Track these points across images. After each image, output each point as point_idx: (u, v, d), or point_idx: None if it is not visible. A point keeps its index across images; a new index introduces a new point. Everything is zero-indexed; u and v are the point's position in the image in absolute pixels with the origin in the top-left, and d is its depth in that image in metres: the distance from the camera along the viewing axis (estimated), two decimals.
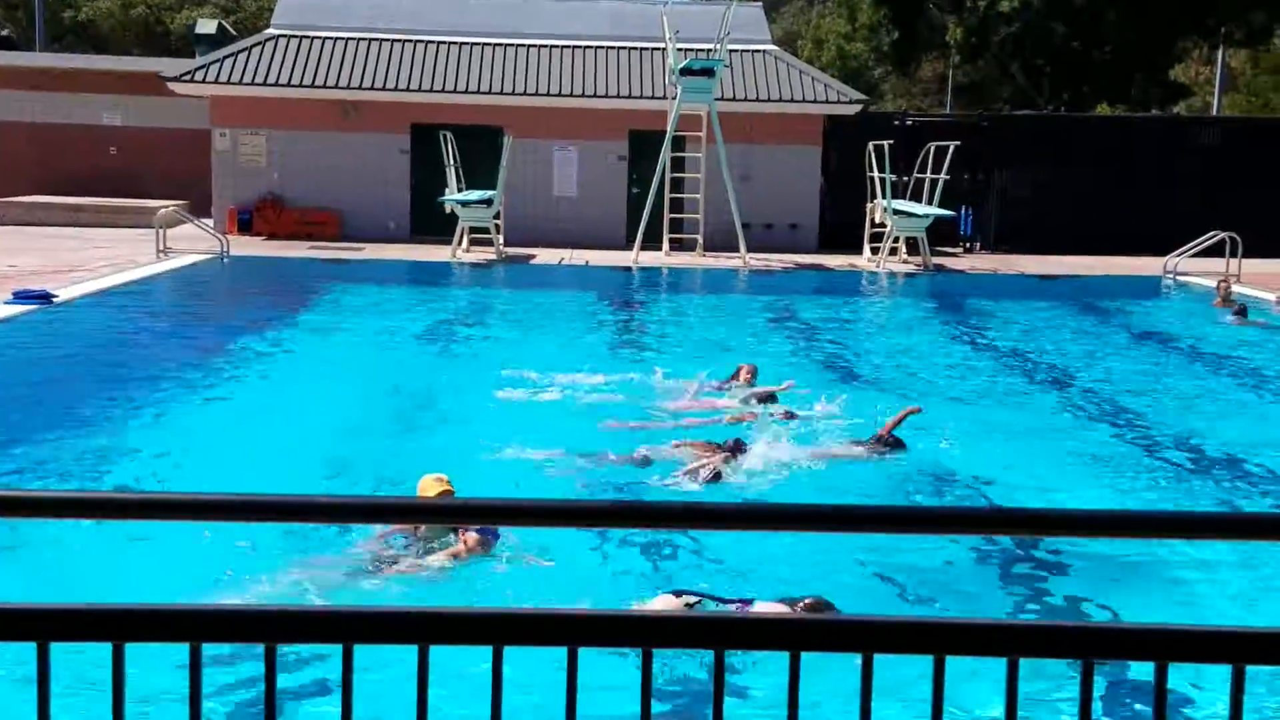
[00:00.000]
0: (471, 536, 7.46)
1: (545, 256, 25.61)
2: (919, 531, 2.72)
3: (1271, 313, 19.56)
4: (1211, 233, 23.41)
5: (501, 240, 25.36)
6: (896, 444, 10.26)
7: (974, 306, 20.58)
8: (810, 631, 2.31)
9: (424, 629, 2.29)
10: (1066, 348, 16.64)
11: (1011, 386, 14.18)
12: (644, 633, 2.33)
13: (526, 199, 27.28)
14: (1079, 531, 2.71)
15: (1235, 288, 21.12)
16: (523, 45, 28.52)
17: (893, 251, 25.26)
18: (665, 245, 26.07)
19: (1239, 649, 2.25)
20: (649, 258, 25.09)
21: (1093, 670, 2.29)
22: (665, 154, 25.17)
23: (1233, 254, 22.73)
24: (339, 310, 18.95)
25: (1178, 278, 23.26)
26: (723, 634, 2.30)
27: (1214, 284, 20.76)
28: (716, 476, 9.33)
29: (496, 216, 25.16)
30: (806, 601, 6.22)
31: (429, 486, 7.72)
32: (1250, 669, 2.26)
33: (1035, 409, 12.73)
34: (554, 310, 19.57)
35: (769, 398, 11.94)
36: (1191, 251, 23.54)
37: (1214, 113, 42.22)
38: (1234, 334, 17.66)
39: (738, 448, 9.82)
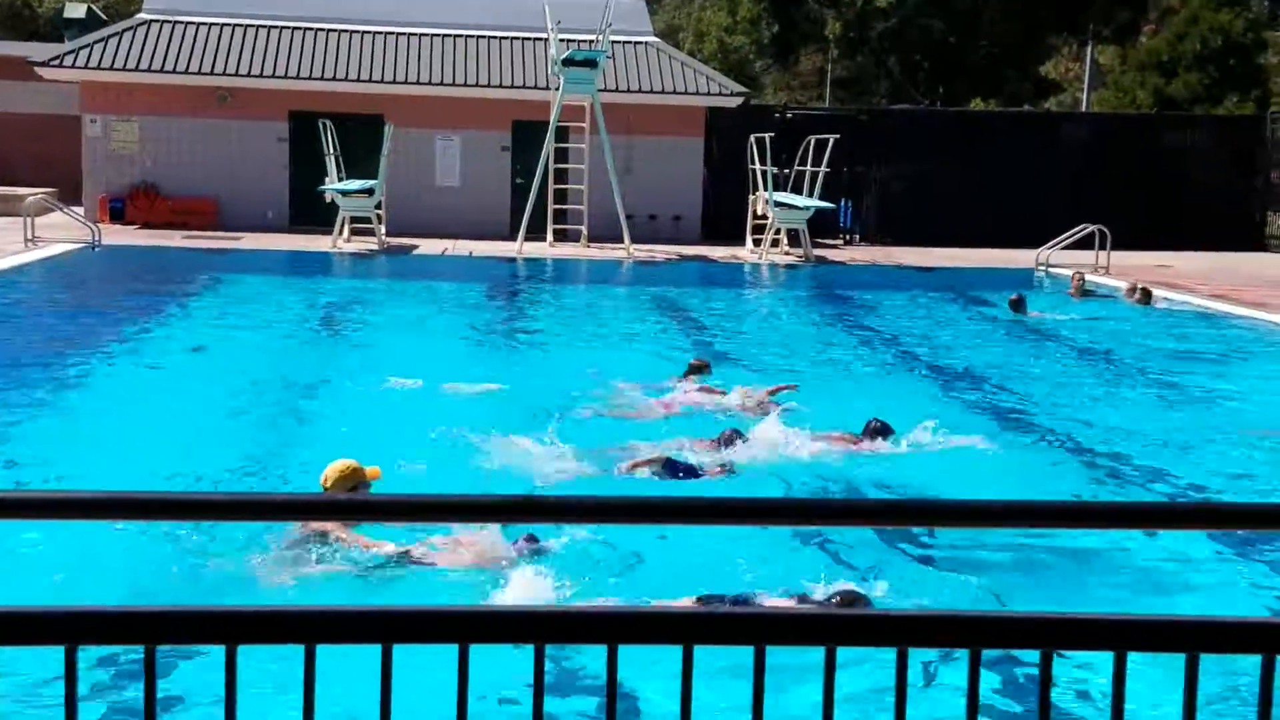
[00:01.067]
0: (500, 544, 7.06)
1: (428, 247, 25.40)
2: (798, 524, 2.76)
3: (1124, 302, 20.13)
4: (1081, 225, 24.04)
5: (384, 230, 25.09)
6: (885, 430, 10.41)
7: (858, 299, 20.89)
8: (847, 626, 2.33)
9: (465, 628, 2.28)
10: (930, 334, 17.06)
11: (882, 372, 14.43)
12: (684, 630, 2.31)
13: (409, 189, 27.01)
14: (966, 522, 2.77)
15: (1098, 278, 21.74)
16: (404, 33, 28.22)
17: (774, 243, 25.52)
18: (549, 236, 26.03)
19: (1116, 637, 2.32)
20: (533, 249, 25.02)
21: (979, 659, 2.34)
22: (549, 145, 25.12)
23: (1101, 246, 23.37)
24: (214, 301, 18.59)
25: (1050, 270, 23.85)
26: (764, 630, 2.31)
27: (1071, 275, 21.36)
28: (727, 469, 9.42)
29: (378, 206, 24.88)
30: (839, 596, 6.26)
31: (343, 474, 7.40)
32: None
33: (893, 393, 12.85)
34: (439, 301, 19.42)
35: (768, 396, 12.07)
36: (1063, 244, 24.15)
37: (1084, 108, 43.37)
38: (1015, 324, 18.16)
39: (734, 437, 10.00)
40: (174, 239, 24.66)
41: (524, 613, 2.34)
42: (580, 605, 2.36)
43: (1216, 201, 29.16)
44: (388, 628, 2.27)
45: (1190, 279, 22.67)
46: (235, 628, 2.25)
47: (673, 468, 9.27)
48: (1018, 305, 18.54)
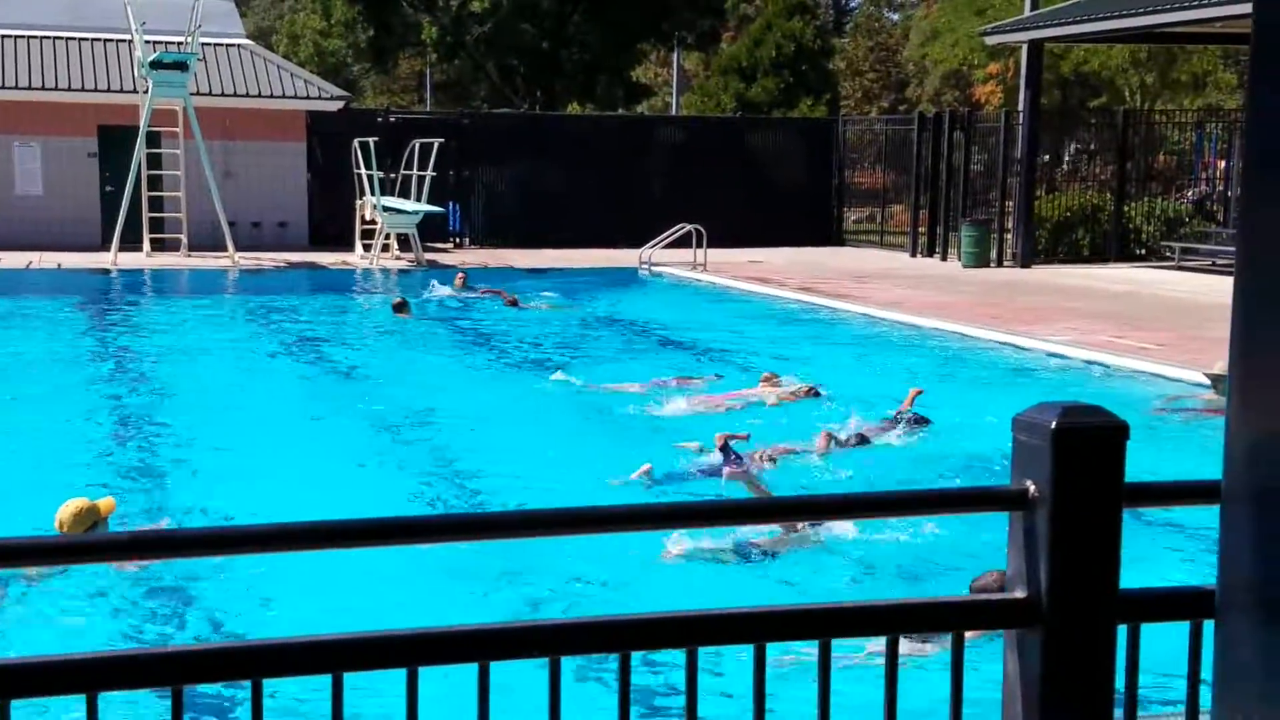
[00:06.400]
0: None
1: (10, 260, 23.65)
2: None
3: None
4: (680, 225, 25.17)
5: None
6: (921, 421, 10.68)
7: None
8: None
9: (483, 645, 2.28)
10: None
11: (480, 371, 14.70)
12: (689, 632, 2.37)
13: None
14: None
15: (696, 274, 22.83)
16: None
17: (385, 248, 25.34)
18: (146, 245, 24.80)
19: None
20: (129, 259, 23.77)
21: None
22: (140, 150, 23.98)
23: (699, 245, 24.57)
24: None
25: (653, 268, 24.85)
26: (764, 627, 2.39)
27: (648, 265, 22.42)
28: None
29: None
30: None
31: (78, 514, 7.13)
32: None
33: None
34: (24, 318, 18.13)
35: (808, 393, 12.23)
36: (664, 243, 25.20)
37: (673, 112, 45.33)
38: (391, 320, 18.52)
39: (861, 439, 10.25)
40: None
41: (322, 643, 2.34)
42: (593, 618, 2.40)
43: (800, 200, 31.19)
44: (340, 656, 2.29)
45: (779, 273, 24.18)
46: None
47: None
48: (400, 308, 18.33)
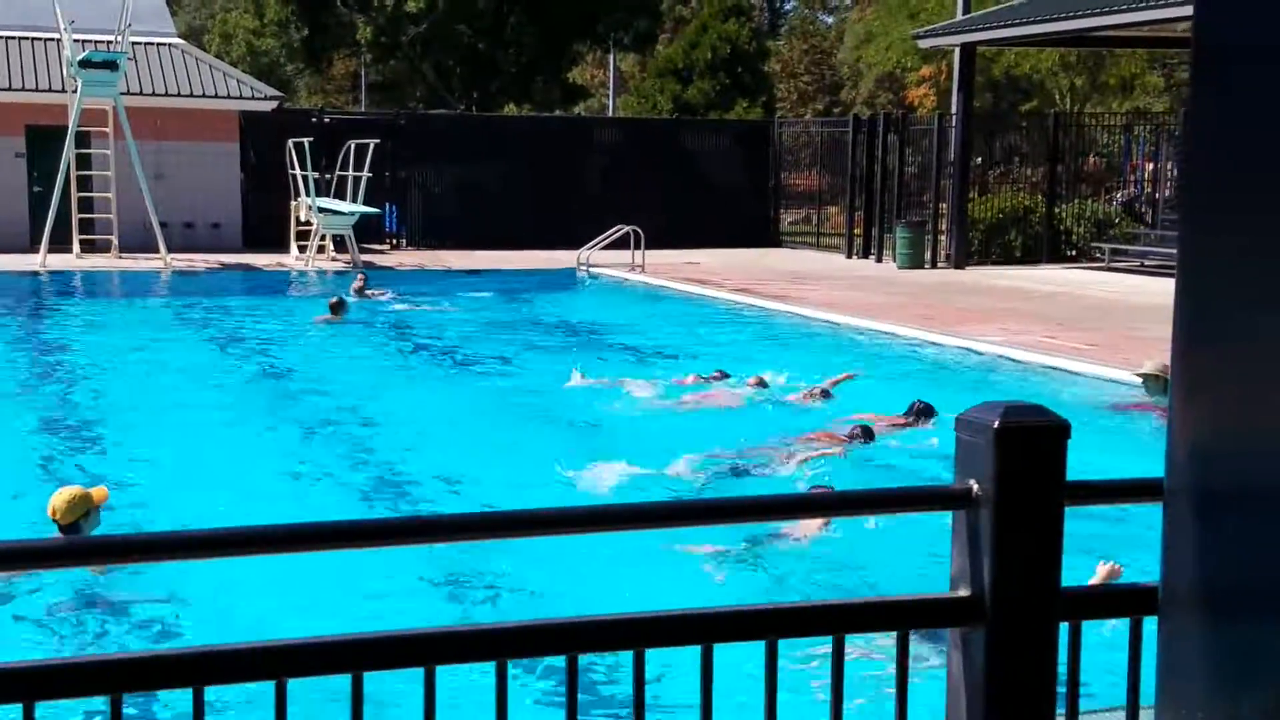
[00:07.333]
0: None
1: None
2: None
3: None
4: (617, 226, 25.16)
5: None
6: (868, 434, 10.62)
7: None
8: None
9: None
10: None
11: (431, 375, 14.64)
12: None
13: None
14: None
15: (634, 276, 22.84)
16: None
17: (320, 249, 25.12)
18: (76, 247, 24.42)
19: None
20: (59, 261, 23.39)
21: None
22: (69, 151, 23.62)
23: (637, 246, 24.57)
24: None
25: (591, 269, 24.83)
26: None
27: (582, 267, 22.43)
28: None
29: None
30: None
31: (71, 502, 7.11)
32: None
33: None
34: None
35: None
36: (602, 244, 25.19)
37: (610, 113, 45.36)
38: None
39: (866, 434, 10.25)
40: None
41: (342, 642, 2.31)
42: (611, 616, 2.38)
43: (737, 201, 31.29)
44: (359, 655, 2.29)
45: (717, 274, 24.25)
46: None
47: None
48: (337, 308, 18.14)
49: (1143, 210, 28.68)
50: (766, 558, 7.82)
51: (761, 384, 12.61)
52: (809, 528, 7.87)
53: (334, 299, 18.36)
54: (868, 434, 10.51)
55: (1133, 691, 2.60)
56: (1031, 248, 27.07)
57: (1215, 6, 1.72)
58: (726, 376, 13.15)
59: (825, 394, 12.31)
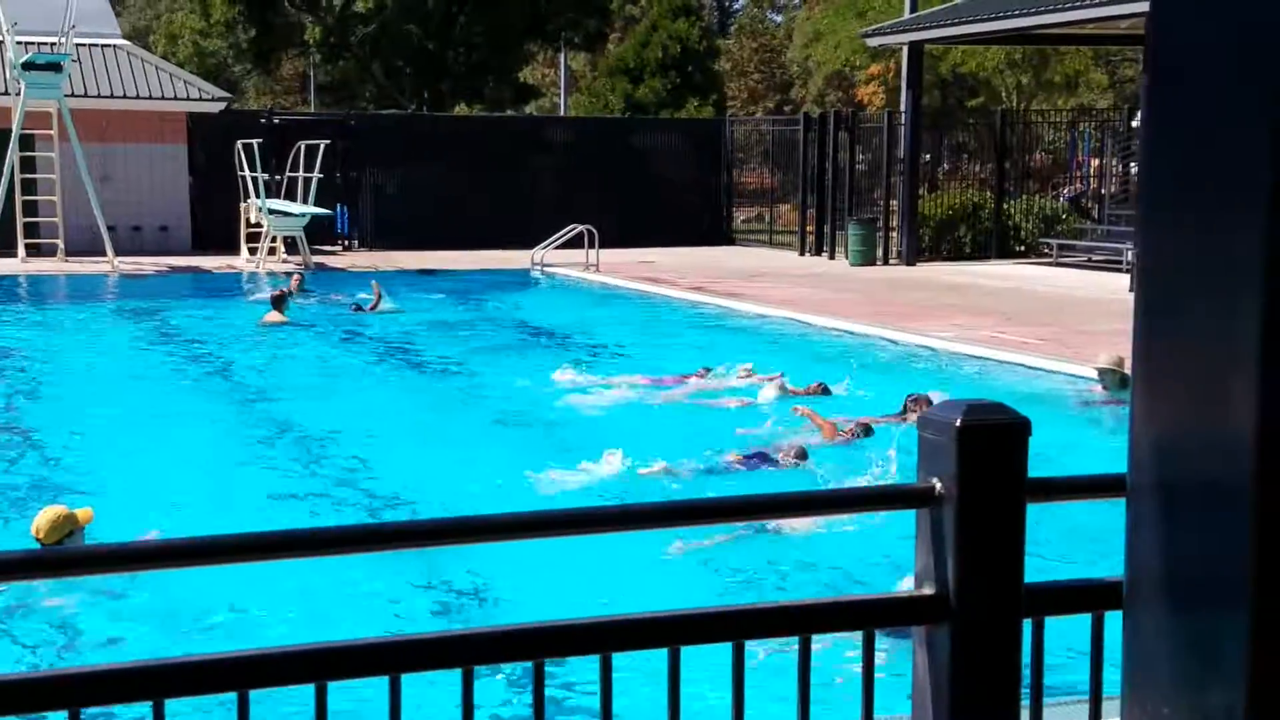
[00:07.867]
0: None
1: None
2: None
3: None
4: (571, 226, 25.11)
5: None
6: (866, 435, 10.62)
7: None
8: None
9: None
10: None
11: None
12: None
13: None
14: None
15: (588, 274, 22.79)
16: None
17: (271, 251, 24.93)
18: (21, 251, 24.11)
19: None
20: (3, 265, 23.12)
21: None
22: (13, 153, 23.34)
23: (591, 245, 24.53)
24: None
25: (545, 269, 24.77)
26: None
27: (579, 272, 22.39)
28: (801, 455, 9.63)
29: None
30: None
31: (55, 522, 7.01)
32: None
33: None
34: None
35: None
36: (556, 244, 25.13)
37: (561, 113, 45.28)
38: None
39: (866, 431, 10.36)
40: None
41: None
42: (646, 614, 2.37)
43: (689, 200, 31.31)
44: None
45: (671, 272, 24.26)
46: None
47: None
48: (279, 301, 17.90)
49: (1089, 206, 28.96)
50: (740, 553, 7.83)
51: (782, 389, 12.45)
52: (796, 524, 7.90)
53: (275, 292, 18.20)
54: (867, 431, 10.64)
55: (1095, 685, 2.63)
56: (981, 244, 27.28)
57: (1172, 6, 1.74)
58: (709, 372, 13.25)
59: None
